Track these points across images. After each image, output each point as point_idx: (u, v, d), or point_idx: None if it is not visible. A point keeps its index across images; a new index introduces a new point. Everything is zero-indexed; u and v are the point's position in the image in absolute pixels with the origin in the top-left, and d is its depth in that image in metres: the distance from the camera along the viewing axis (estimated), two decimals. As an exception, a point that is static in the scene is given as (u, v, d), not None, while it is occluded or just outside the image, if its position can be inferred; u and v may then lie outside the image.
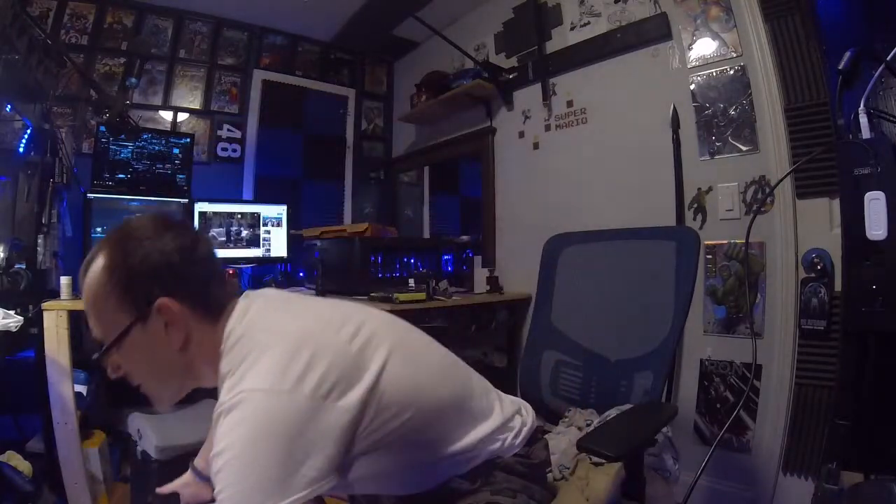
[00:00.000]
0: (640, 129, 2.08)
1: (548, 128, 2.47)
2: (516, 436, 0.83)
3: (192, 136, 2.69)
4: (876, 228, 1.00)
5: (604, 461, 0.93)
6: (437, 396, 0.74)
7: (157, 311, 0.68)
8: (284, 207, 2.68)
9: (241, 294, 0.76)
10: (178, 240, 0.70)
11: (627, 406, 1.11)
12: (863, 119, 1.07)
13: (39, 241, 1.87)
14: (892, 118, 1.17)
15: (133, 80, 1.84)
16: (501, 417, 0.82)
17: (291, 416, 0.59)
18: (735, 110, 1.80)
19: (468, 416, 0.78)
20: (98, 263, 0.69)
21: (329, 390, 0.62)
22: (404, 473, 0.75)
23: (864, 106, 1.08)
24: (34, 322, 1.68)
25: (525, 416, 0.88)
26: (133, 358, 0.71)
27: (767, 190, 1.71)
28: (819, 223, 1.61)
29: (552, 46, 2.46)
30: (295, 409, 0.59)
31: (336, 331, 0.69)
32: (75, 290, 1.90)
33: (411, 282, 2.31)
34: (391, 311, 2.17)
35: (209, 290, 0.72)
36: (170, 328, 0.69)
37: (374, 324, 0.74)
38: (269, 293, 0.79)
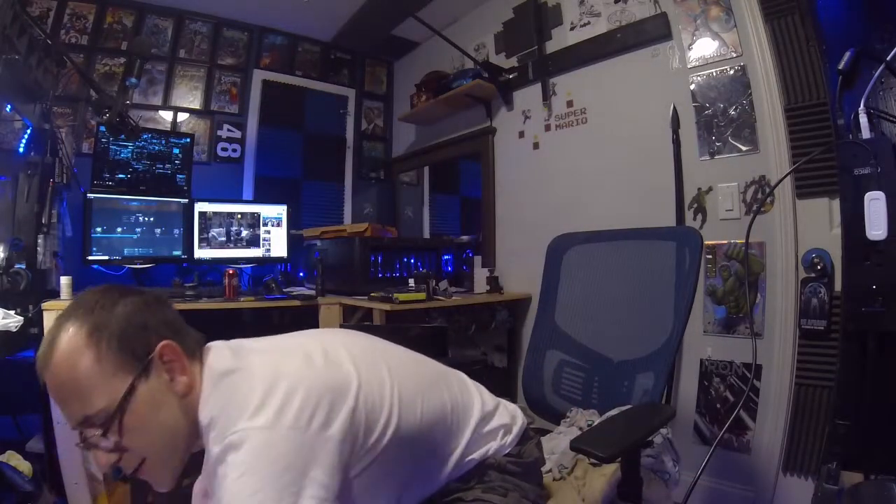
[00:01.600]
0: (640, 129, 2.08)
1: (548, 128, 2.47)
2: (505, 435, 0.83)
3: (192, 136, 2.69)
4: (876, 228, 1.00)
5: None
6: (417, 409, 0.74)
7: (159, 358, 0.66)
8: (284, 207, 2.68)
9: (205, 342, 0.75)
10: (142, 294, 0.71)
11: (628, 407, 1.11)
12: (863, 119, 1.08)
13: (39, 241, 1.87)
14: (892, 118, 1.17)
15: (133, 80, 1.83)
16: (482, 417, 0.82)
17: (283, 449, 0.59)
18: (735, 110, 1.80)
19: (452, 424, 0.78)
20: (73, 332, 0.63)
21: (310, 419, 0.61)
22: (402, 488, 0.75)
23: (864, 106, 1.08)
24: (34, 322, 1.68)
25: (510, 413, 0.88)
26: (138, 425, 0.64)
27: (767, 190, 1.71)
28: (819, 223, 1.61)
29: (552, 46, 2.46)
30: (284, 444, 0.59)
31: (308, 362, 0.69)
32: (75, 290, 1.91)
33: (411, 282, 2.31)
34: (391, 311, 2.17)
35: (187, 332, 0.72)
36: (174, 374, 0.67)
37: (343, 348, 0.75)
38: (233, 342, 0.77)
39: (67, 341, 0.63)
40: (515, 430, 0.85)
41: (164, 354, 0.66)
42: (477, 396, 0.85)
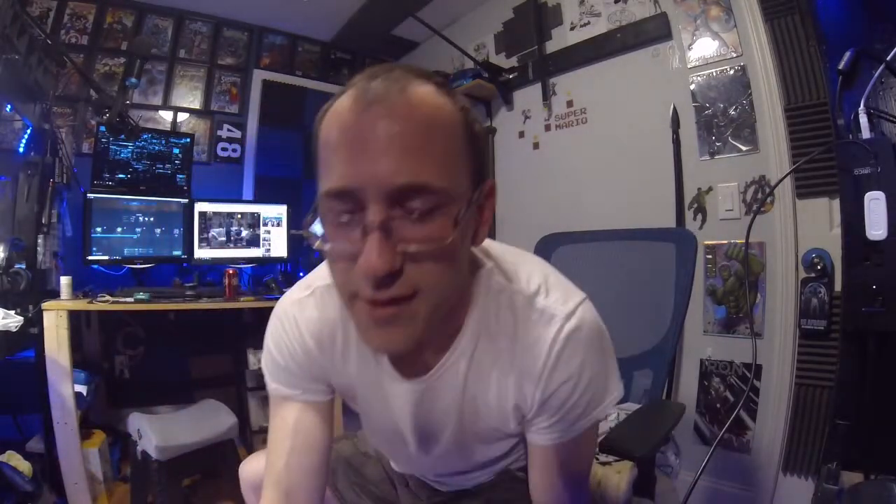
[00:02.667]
0: (640, 129, 2.08)
1: (548, 128, 2.47)
2: None
3: (192, 136, 2.69)
4: (876, 228, 1.00)
5: (610, 461, 0.94)
6: None
7: (485, 195, 0.53)
8: (284, 207, 2.68)
9: None
10: None
11: (628, 405, 1.11)
12: (863, 119, 1.08)
13: (39, 241, 1.87)
14: (892, 118, 1.17)
15: (133, 80, 1.83)
16: None
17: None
18: (735, 110, 1.80)
19: None
20: (444, 96, 0.50)
21: None
22: None
23: (864, 106, 1.08)
24: (34, 322, 1.68)
25: None
26: (446, 247, 0.48)
27: (767, 190, 1.71)
28: (819, 223, 1.61)
29: (552, 46, 2.45)
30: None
31: None
32: (75, 290, 1.91)
33: (411, 282, 2.31)
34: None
35: None
36: (481, 221, 0.54)
37: None
38: None
39: (438, 96, 0.48)
40: None
41: (491, 194, 0.54)
42: None
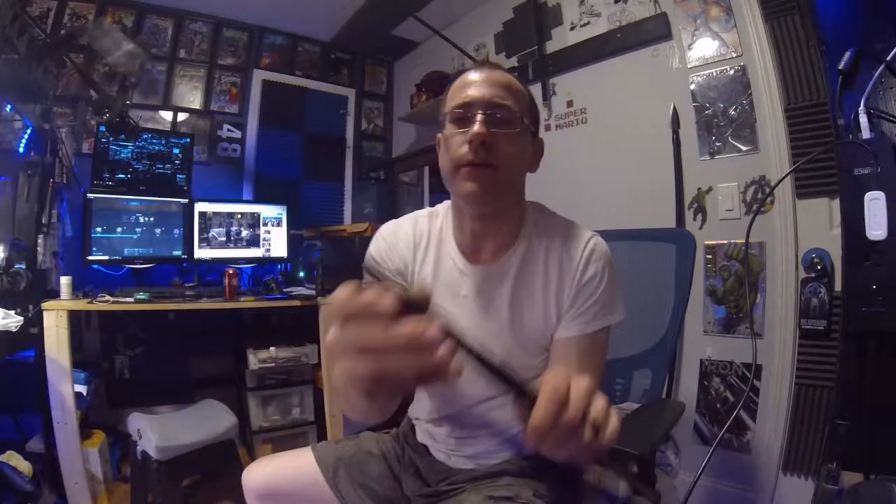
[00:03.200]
0: (640, 129, 2.08)
1: (548, 128, 2.47)
2: None
3: (192, 136, 2.69)
4: (876, 228, 1.00)
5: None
6: None
7: (538, 144, 0.89)
8: (284, 207, 2.68)
9: None
10: None
11: (628, 404, 1.11)
12: (863, 119, 1.08)
13: (39, 241, 1.87)
14: (892, 118, 1.17)
15: (133, 80, 1.83)
16: None
17: None
18: (735, 110, 1.80)
19: None
20: (520, 82, 0.87)
21: None
22: None
23: (864, 106, 1.08)
24: (34, 322, 1.69)
25: None
26: (514, 144, 0.81)
27: (767, 190, 1.71)
28: (819, 223, 1.61)
29: (552, 46, 2.45)
30: None
31: None
32: (75, 290, 1.91)
33: (411, 282, 2.31)
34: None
35: None
36: (534, 157, 0.89)
37: None
38: None
39: (516, 79, 0.86)
40: None
41: (539, 146, 0.90)
42: None
